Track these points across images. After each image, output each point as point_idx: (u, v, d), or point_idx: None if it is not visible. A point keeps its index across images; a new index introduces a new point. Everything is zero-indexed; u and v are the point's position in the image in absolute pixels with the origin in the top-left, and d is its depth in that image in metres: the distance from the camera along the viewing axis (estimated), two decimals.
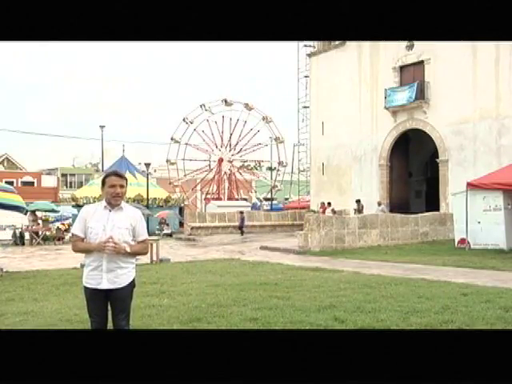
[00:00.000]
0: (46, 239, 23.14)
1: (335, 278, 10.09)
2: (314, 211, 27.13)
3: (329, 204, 25.89)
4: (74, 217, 23.85)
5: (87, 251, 4.10)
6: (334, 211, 24.07)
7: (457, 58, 24.21)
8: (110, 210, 4.10)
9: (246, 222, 26.87)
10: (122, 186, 4.11)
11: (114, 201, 4.09)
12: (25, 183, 45.92)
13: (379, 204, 23.98)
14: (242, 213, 26.96)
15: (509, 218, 15.79)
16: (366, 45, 28.36)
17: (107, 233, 4.02)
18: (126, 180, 4.24)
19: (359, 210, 24.60)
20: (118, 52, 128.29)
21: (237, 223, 27.11)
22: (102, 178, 4.31)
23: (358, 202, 25.23)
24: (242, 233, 26.06)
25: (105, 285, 4.03)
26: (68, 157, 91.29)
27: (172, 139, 40.16)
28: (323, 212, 24.99)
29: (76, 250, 4.21)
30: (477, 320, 6.06)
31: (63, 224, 25.67)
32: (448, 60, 24.77)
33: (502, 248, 15.49)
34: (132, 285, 4.17)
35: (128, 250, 4.04)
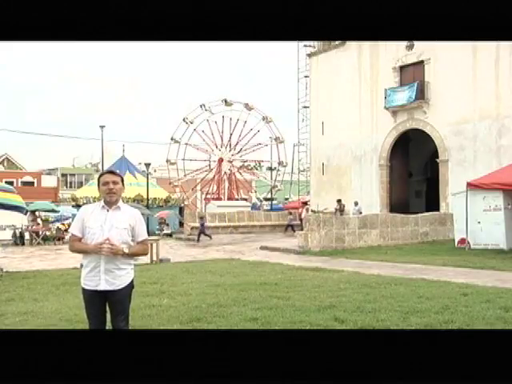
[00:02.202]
0: (45, 239, 23.12)
1: (335, 278, 10.09)
2: (314, 211, 27.16)
3: (304, 204, 25.88)
4: (74, 217, 23.80)
5: (84, 252, 4.03)
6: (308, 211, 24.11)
7: (457, 58, 24.21)
8: (108, 210, 4.02)
9: (246, 222, 26.75)
10: (115, 183, 4.03)
11: (108, 197, 4.01)
12: (25, 183, 45.90)
13: (356, 204, 23.97)
14: (201, 218, 24.57)
15: (509, 217, 15.79)
16: (366, 45, 28.35)
17: (105, 233, 3.94)
18: (122, 177, 4.16)
19: (341, 210, 24.58)
20: (118, 52, 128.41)
21: (237, 223, 27.08)
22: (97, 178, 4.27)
23: (338, 201, 25.23)
24: (199, 239, 22.63)
25: (103, 286, 3.94)
26: (68, 157, 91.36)
27: (172, 139, 40.22)
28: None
29: (73, 250, 4.13)
30: (477, 320, 6.06)
31: (63, 224, 25.65)
32: (448, 60, 24.78)
33: (502, 248, 15.49)
34: (131, 286, 4.09)
35: (126, 251, 3.95)
